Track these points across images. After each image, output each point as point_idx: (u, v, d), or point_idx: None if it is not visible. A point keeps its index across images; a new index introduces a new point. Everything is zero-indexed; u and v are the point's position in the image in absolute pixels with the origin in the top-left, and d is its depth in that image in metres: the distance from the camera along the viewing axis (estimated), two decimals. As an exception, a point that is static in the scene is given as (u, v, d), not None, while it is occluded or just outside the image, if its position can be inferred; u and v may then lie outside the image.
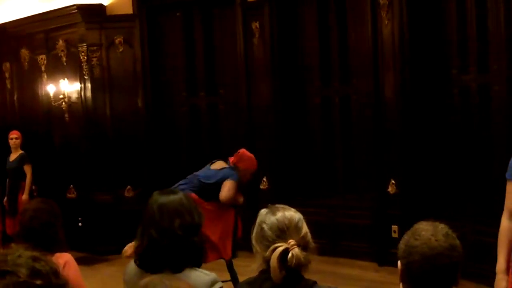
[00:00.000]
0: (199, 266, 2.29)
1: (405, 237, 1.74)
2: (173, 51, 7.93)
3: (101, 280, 6.12)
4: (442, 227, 1.73)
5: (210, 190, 5.02)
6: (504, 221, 2.92)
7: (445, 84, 6.17)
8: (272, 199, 6.18)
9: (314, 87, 7.27)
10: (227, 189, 5.02)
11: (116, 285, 5.03)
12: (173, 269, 2.22)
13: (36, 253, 1.23)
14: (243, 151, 5.31)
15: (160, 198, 2.34)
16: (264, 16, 7.15)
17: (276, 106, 7.23)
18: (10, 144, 7.55)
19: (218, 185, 5.06)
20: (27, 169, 7.41)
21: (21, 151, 7.54)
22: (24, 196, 7.30)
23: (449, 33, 6.10)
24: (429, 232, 1.69)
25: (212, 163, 5.30)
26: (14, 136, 7.57)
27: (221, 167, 5.18)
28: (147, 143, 7.81)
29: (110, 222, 7.62)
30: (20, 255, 1.22)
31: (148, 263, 2.27)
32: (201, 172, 5.22)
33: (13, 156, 7.53)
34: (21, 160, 7.45)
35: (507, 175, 2.89)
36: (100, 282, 5.96)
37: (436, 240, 1.67)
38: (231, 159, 5.25)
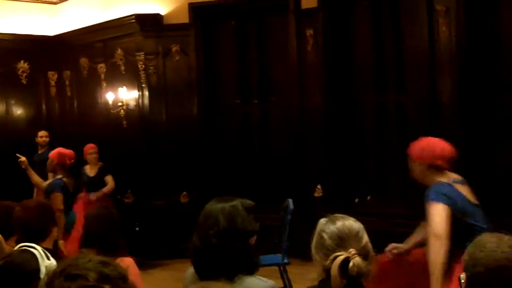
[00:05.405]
0: (252, 273, 2.30)
1: (469, 249, 1.71)
2: (227, 59, 8.01)
3: (154, 284, 6.18)
4: (507, 239, 1.69)
5: None
6: None
7: (502, 91, 6.01)
8: (326, 207, 6.15)
9: (367, 94, 7.18)
10: None
11: (170, 289, 5.12)
12: (228, 275, 2.24)
13: (105, 258, 1.28)
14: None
15: (217, 204, 2.37)
16: (318, 23, 7.13)
17: (329, 113, 7.18)
18: (88, 159, 7.61)
19: None
20: (109, 179, 7.52)
21: (100, 163, 7.65)
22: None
23: (506, 40, 5.94)
24: (494, 244, 1.67)
25: None
26: (92, 151, 7.63)
27: None
28: (201, 150, 7.91)
29: (165, 227, 7.74)
30: (90, 260, 1.26)
31: (203, 268, 2.29)
32: None
33: (92, 169, 7.62)
34: (101, 172, 7.57)
35: None
36: (154, 287, 6.05)
37: (502, 252, 1.64)
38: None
